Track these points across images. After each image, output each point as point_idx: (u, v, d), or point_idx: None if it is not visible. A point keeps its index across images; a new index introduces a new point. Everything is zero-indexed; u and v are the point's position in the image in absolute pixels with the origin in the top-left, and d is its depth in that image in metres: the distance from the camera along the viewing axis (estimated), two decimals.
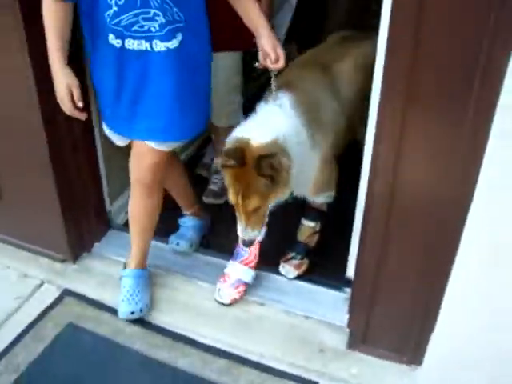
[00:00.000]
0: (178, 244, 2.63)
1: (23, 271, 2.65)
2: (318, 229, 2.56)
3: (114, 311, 2.39)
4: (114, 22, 1.93)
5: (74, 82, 2.01)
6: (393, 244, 1.94)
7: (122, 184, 2.76)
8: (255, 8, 2.09)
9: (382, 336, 2.16)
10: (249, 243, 2.17)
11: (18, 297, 2.51)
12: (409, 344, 2.08)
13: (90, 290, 2.53)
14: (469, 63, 1.53)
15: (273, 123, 2.04)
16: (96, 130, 2.56)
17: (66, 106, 2.04)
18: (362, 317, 2.16)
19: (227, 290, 2.42)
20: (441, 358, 1.97)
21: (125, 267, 2.45)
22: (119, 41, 1.96)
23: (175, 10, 1.94)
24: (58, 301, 2.47)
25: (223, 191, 2.71)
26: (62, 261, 2.66)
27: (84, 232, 2.67)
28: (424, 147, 1.72)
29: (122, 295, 2.37)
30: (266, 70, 2.15)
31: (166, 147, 2.18)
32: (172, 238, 2.67)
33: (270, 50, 2.07)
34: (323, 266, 2.53)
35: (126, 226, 2.64)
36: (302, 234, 2.56)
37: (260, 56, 2.11)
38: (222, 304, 2.41)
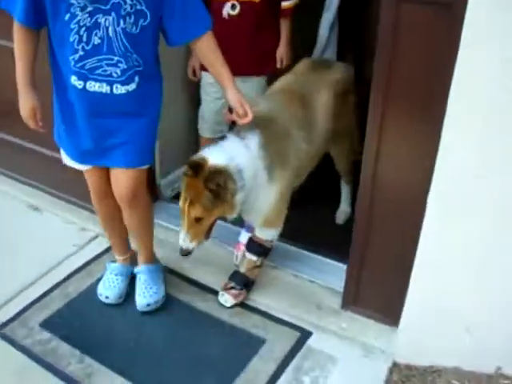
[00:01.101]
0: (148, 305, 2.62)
1: (82, 226, 3.18)
2: (259, 263, 2.65)
3: None
4: (78, 65, 2.07)
5: (37, 105, 2.22)
6: (375, 227, 2.35)
7: (172, 163, 3.26)
8: (219, 61, 2.21)
9: (369, 299, 2.51)
10: (185, 252, 2.31)
11: (75, 245, 3.02)
12: (392, 307, 2.41)
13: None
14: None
15: (233, 154, 2.24)
16: None
17: (31, 124, 2.26)
18: (353, 283, 2.54)
19: (225, 296, 2.62)
20: (412, 318, 2.31)
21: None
22: (81, 82, 2.10)
23: (135, 56, 2.10)
24: (106, 251, 2.95)
25: None
26: None
27: None
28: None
29: (138, 289, 2.61)
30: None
31: (135, 170, 2.35)
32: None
33: (237, 105, 2.22)
34: (331, 241, 2.87)
35: (174, 199, 3.10)
36: (244, 267, 2.65)
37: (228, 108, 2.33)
38: (225, 306, 2.60)
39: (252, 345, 2.45)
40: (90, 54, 2.05)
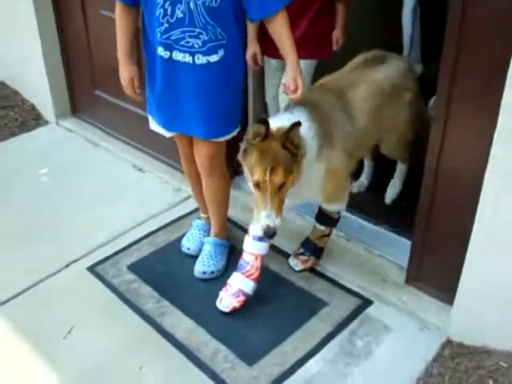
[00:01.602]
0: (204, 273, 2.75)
1: (177, 186, 3.47)
2: (327, 232, 2.73)
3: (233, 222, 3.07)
4: (164, 36, 2.25)
5: (135, 75, 2.47)
6: (438, 206, 2.44)
7: None
8: (287, 38, 2.28)
9: (431, 276, 2.60)
10: (272, 231, 2.21)
11: (169, 202, 3.31)
12: (452, 286, 2.47)
13: None
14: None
15: (290, 122, 2.21)
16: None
17: (129, 92, 2.51)
18: (416, 260, 2.63)
19: (228, 299, 2.55)
20: (466, 297, 2.37)
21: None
22: (167, 52, 2.28)
23: (218, 30, 2.24)
24: (195, 210, 3.20)
25: None
26: None
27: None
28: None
29: (200, 257, 2.77)
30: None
31: (214, 141, 2.49)
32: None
33: (290, 80, 2.30)
34: (402, 221, 2.93)
35: None
36: (313, 235, 2.75)
37: (284, 81, 2.37)
38: (223, 312, 2.56)
39: (314, 307, 2.61)
40: (174, 27, 2.22)
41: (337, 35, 3.09)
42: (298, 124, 2.18)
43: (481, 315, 2.36)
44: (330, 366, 2.37)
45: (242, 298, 2.55)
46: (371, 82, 2.67)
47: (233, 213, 3.03)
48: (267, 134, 2.17)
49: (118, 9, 2.37)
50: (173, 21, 2.21)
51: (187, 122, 2.44)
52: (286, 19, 2.27)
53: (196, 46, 2.24)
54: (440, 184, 2.40)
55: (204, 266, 2.73)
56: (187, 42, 2.24)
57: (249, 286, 2.55)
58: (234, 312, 2.57)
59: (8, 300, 2.69)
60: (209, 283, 2.74)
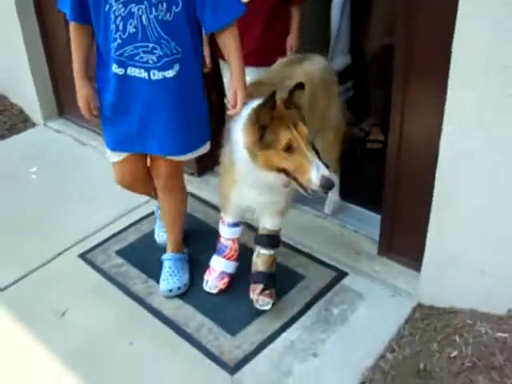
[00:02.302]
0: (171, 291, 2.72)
1: None
2: (274, 256, 2.64)
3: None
4: (118, 52, 2.18)
5: (91, 95, 2.37)
6: (403, 181, 2.62)
7: None
8: (235, 51, 2.27)
9: (401, 247, 2.77)
10: (330, 182, 2.09)
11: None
12: (421, 254, 2.65)
13: (204, 194, 3.40)
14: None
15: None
16: None
17: (85, 113, 2.41)
18: (386, 232, 2.81)
19: (213, 282, 2.70)
20: (432, 262, 2.53)
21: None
22: (122, 69, 2.22)
23: (173, 44, 2.18)
24: None
25: None
26: (191, 174, 3.56)
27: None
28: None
29: (163, 275, 2.73)
30: None
31: (176, 159, 2.47)
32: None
33: (231, 94, 2.28)
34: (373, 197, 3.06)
35: None
36: (264, 265, 2.59)
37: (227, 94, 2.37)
38: (211, 293, 2.70)
39: (292, 280, 2.78)
40: (127, 42, 2.16)
41: (291, 40, 3.04)
42: (299, 86, 2.18)
43: (446, 278, 2.51)
44: (308, 332, 2.53)
45: (226, 280, 2.71)
46: (302, 73, 2.63)
47: (217, 199, 3.15)
48: (275, 103, 2.11)
49: (72, 27, 2.31)
50: (125, 36, 2.16)
51: (146, 139, 2.39)
52: (236, 33, 2.26)
53: (151, 61, 2.20)
54: (403, 160, 2.58)
55: (169, 283, 2.70)
56: (141, 58, 2.19)
57: (230, 266, 2.71)
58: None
59: (6, 287, 2.86)
60: (192, 263, 2.89)
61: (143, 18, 2.14)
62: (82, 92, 2.38)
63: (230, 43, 2.26)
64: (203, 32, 2.34)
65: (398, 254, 2.80)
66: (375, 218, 2.95)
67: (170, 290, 2.69)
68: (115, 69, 2.24)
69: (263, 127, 2.11)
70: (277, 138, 2.10)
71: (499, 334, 2.33)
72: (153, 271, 2.85)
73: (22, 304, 2.75)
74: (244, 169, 2.30)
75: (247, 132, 2.18)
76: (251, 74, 2.73)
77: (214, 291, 2.71)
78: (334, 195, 3.15)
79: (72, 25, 2.30)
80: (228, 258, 2.69)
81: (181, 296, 2.73)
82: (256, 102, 2.19)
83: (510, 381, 2.17)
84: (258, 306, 2.57)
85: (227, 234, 2.68)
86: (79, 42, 2.32)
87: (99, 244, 3.07)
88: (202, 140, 2.50)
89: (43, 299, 2.77)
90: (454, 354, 2.33)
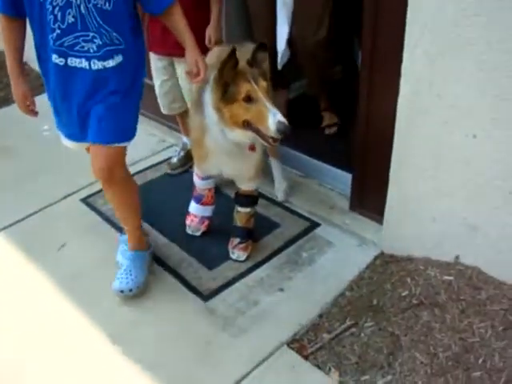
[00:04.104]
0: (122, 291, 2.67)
1: (162, 138, 3.96)
2: (252, 213, 2.87)
3: None
4: (57, 43, 2.14)
5: (26, 91, 2.34)
6: (370, 145, 2.89)
7: None
8: (184, 27, 2.32)
9: (370, 203, 3.02)
10: (287, 127, 2.19)
11: (154, 149, 3.80)
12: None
13: None
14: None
15: None
16: None
17: (22, 109, 2.39)
18: (357, 190, 3.09)
19: (196, 226, 2.98)
20: (391, 213, 2.79)
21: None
22: (62, 59, 2.18)
23: (114, 34, 2.18)
24: (174, 156, 3.68)
25: (180, 163, 3.52)
26: None
27: None
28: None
29: (119, 273, 2.65)
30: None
31: (114, 147, 2.39)
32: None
33: (192, 64, 2.32)
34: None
35: None
36: (241, 220, 2.86)
37: (187, 69, 2.40)
38: (195, 235, 2.97)
39: (268, 227, 3.07)
40: (67, 32, 2.13)
41: (209, 32, 3.02)
42: (261, 45, 2.35)
43: (404, 228, 2.77)
44: (278, 271, 2.83)
45: (206, 222, 3.00)
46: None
47: None
48: (237, 60, 2.27)
49: (3, 22, 2.23)
50: (64, 26, 2.13)
51: (86, 128, 2.37)
52: (180, 8, 2.33)
53: (91, 50, 2.18)
54: (369, 128, 2.87)
55: (122, 283, 2.61)
56: (82, 47, 2.17)
57: (209, 210, 2.99)
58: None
59: (12, 224, 3.20)
60: (181, 213, 3.16)
61: (81, 7, 2.11)
62: (18, 90, 2.35)
63: (179, 19, 2.32)
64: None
65: (367, 210, 3.07)
66: (348, 178, 3.21)
67: (122, 291, 2.60)
68: (55, 59, 2.20)
69: (227, 83, 2.28)
70: (238, 90, 2.26)
71: (445, 277, 2.59)
72: (147, 215, 3.10)
73: (26, 238, 3.08)
74: (215, 133, 2.44)
75: (213, 90, 2.34)
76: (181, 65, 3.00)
77: (198, 234, 2.99)
78: (280, 184, 3.29)
79: (4, 18, 2.21)
80: (206, 204, 2.96)
81: (167, 235, 3.04)
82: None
83: (449, 316, 2.42)
84: (233, 258, 2.85)
85: (202, 186, 2.93)
86: (13, 37, 2.25)
87: (100, 190, 3.32)
88: (130, 136, 2.45)
89: (45, 235, 3.11)
90: (405, 293, 2.59)
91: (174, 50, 2.90)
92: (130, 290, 2.61)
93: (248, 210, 2.86)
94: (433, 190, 2.59)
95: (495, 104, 2.24)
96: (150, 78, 3.33)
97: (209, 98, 2.41)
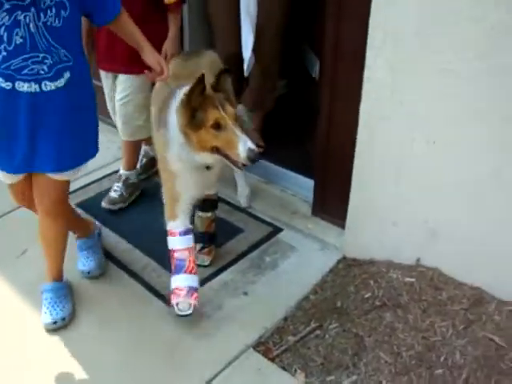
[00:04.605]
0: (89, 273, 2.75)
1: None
2: (213, 217, 2.84)
3: None
4: (3, 66, 1.97)
5: None
6: (331, 155, 2.98)
7: None
8: (136, 31, 2.27)
9: (332, 209, 3.08)
10: (257, 154, 2.20)
11: (116, 156, 3.78)
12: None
13: None
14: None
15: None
16: None
17: None
18: (318, 196, 3.15)
19: (184, 302, 2.51)
20: (353, 218, 2.85)
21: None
22: (9, 83, 2.01)
23: (63, 51, 2.03)
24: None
25: (120, 199, 3.28)
26: None
27: None
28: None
29: (45, 307, 2.51)
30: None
31: (65, 177, 2.30)
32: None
33: (155, 64, 2.29)
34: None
35: None
36: (202, 226, 2.83)
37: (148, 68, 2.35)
38: (185, 315, 2.52)
39: (231, 232, 3.09)
40: (14, 54, 1.97)
41: (166, 46, 2.96)
42: (225, 71, 2.36)
43: (365, 232, 2.84)
44: (242, 275, 2.85)
45: (196, 294, 2.53)
46: (207, 65, 2.76)
47: None
48: (205, 86, 2.24)
49: None
50: (11, 48, 1.96)
51: (34, 158, 2.19)
52: (126, 15, 2.26)
53: (42, 72, 2.02)
54: (332, 133, 2.93)
55: (52, 316, 2.49)
56: (31, 70, 2.00)
57: (195, 279, 2.56)
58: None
59: None
60: (143, 218, 3.17)
61: (31, 25, 1.95)
62: None
63: (129, 25, 2.27)
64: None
65: (329, 215, 3.12)
66: (310, 184, 3.26)
67: (55, 322, 2.49)
68: (1, 83, 2.03)
69: (194, 109, 2.22)
70: (206, 117, 2.21)
71: (407, 279, 2.65)
72: (109, 221, 3.16)
73: None
74: (178, 151, 2.39)
75: (181, 114, 2.27)
76: (119, 80, 3.06)
77: (190, 311, 2.52)
78: (243, 190, 3.30)
79: None
80: (190, 272, 2.55)
81: (130, 240, 3.03)
82: (185, 89, 2.31)
83: (411, 316, 2.48)
84: (197, 263, 2.66)
85: (182, 245, 2.57)
86: None
87: None
88: (92, 153, 2.37)
89: (4, 241, 3.05)
90: (368, 295, 2.64)
91: (119, 67, 2.97)
92: (63, 319, 2.52)
93: (209, 214, 2.83)
94: (394, 195, 2.65)
95: (453, 110, 2.32)
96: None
97: (173, 119, 2.35)
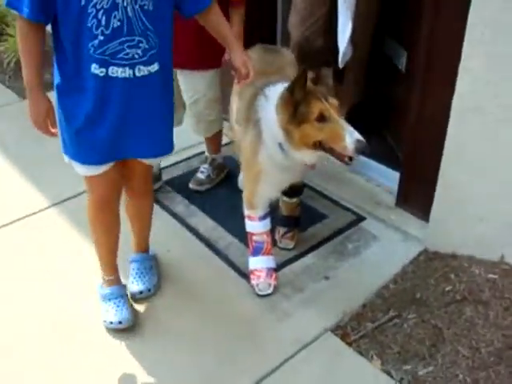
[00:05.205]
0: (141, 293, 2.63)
1: None
2: (298, 202, 2.86)
3: None
4: (99, 51, 1.93)
5: (51, 107, 2.06)
6: (420, 148, 2.95)
7: None
8: (226, 26, 2.24)
9: (416, 201, 3.07)
10: (364, 145, 2.12)
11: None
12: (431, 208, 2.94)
13: None
14: None
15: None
16: None
17: (43, 129, 2.09)
18: (404, 188, 3.15)
19: (264, 283, 2.63)
20: (439, 211, 2.84)
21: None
22: (103, 69, 1.96)
23: (155, 36, 2.00)
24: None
25: (207, 180, 3.34)
26: None
27: None
28: None
29: (132, 277, 2.63)
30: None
31: (157, 161, 2.42)
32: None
33: (241, 66, 2.24)
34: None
35: None
36: (287, 210, 2.86)
37: (233, 69, 2.30)
38: (265, 295, 2.63)
39: (315, 218, 3.15)
40: (111, 38, 1.94)
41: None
42: (328, 65, 2.43)
43: (450, 227, 2.82)
44: (323, 260, 2.90)
45: (274, 275, 2.66)
46: (290, 62, 2.80)
47: None
48: (306, 79, 2.21)
49: (26, 29, 1.95)
50: (108, 32, 1.93)
51: (132, 143, 2.18)
52: (218, 7, 2.23)
53: (136, 56, 1.99)
54: (421, 124, 2.91)
55: (139, 285, 2.60)
56: (126, 54, 1.98)
57: (272, 260, 2.69)
58: None
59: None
60: (228, 197, 3.26)
61: (128, 8, 1.93)
62: (41, 106, 2.06)
63: (219, 17, 2.23)
64: None
65: (413, 207, 3.11)
66: (395, 175, 3.26)
67: (141, 292, 2.60)
68: (95, 69, 1.98)
69: (297, 103, 2.19)
70: (309, 109, 2.17)
71: (490, 276, 2.63)
72: (195, 199, 3.28)
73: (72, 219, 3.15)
74: (271, 151, 2.39)
75: (282, 110, 2.25)
76: (187, 79, 2.99)
77: (270, 291, 2.64)
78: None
79: (26, 25, 1.94)
80: (267, 254, 2.67)
81: (215, 219, 3.13)
82: (279, 85, 2.36)
83: (492, 313, 2.47)
84: (280, 246, 2.84)
85: (261, 228, 2.66)
86: (36, 45, 1.98)
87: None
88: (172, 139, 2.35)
89: None
90: (448, 288, 2.64)
91: (185, 62, 2.86)
92: (149, 290, 2.63)
93: (294, 200, 2.86)
94: (482, 190, 2.63)
95: None
96: None
97: (269, 117, 2.34)
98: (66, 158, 2.24)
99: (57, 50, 2.04)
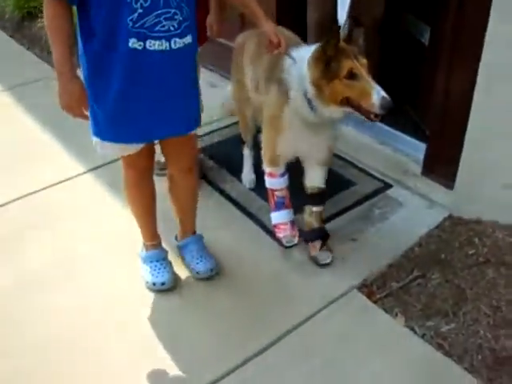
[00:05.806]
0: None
1: None
2: (323, 208, 2.81)
3: None
4: (137, 24, 1.94)
5: (84, 88, 2.03)
6: (447, 121, 3.03)
7: None
8: (253, 1, 2.28)
9: (442, 170, 3.15)
10: (390, 102, 2.18)
11: None
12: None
13: None
14: None
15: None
16: None
17: (77, 111, 2.05)
18: (430, 158, 3.23)
19: (290, 235, 2.80)
20: (463, 179, 2.92)
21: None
22: (141, 43, 1.97)
23: (187, 9, 2.03)
24: None
25: None
26: None
27: None
28: None
29: (195, 259, 2.65)
30: None
31: (193, 132, 2.38)
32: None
33: (272, 35, 2.30)
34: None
35: None
36: (317, 221, 2.78)
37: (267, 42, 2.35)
38: (292, 246, 2.81)
39: (344, 185, 3.26)
40: (149, 11, 1.95)
41: (210, 21, 2.86)
42: (355, 21, 2.40)
43: (475, 194, 2.90)
44: (351, 223, 3.01)
45: (296, 227, 2.82)
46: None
47: None
48: (339, 38, 2.29)
49: (56, 7, 1.95)
50: (147, 4, 1.94)
51: (170, 120, 2.20)
52: None
53: (172, 28, 2.01)
54: (448, 94, 2.99)
55: (207, 263, 2.64)
56: (163, 26, 1.99)
57: (292, 214, 2.82)
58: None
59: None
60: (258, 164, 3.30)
61: None
62: (75, 86, 2.02)
63: None
64: None
65: (439, 176, 3.19)
66: (422, 146, 3.34)
67: (212, 270, 2.64)
68: (134, 44, 1.98)
69: (328, 60, 2.26)
70: (340, 67, 2.23)
71: None
72: (226, 164, 3.43)
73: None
74: (299, 106, 2.44)
75: (314, 67, 2.31)
76: None
77: (296, 241, 2.81)
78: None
79: (59, 6, 1.94)
80: (288, 207, 2.80)
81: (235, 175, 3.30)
82: (303, 48, 2.47)
83: None
84: (320, 262, 2.72)
85: (282, 184, 2.77)
86: (66, 23, 1.97)
87: None
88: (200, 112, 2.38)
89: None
90: (472, 251, 2.74)
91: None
92: (217, 265, 2.68)
93: (322, 207, 2.81)
94: (507, 157, 2.71)
95: None
96: None
97: (297, 74, 2.41)
98: (96, 141, 2.23)
99: (83, 30, 2.03)
